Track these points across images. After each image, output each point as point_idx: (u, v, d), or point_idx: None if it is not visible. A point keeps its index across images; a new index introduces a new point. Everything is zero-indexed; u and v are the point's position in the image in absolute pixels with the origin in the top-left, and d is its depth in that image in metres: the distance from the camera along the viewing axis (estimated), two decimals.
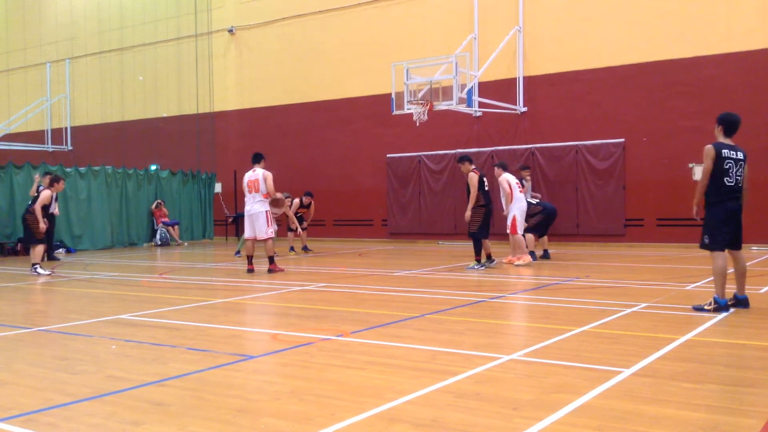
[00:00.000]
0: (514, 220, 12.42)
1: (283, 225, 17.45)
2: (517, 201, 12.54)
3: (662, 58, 16.61)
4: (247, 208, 11.99)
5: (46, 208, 13.01)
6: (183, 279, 11.57)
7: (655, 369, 4.75)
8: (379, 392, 4.29)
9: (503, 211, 12.69)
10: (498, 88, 18.37)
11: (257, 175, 11.90)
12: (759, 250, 14.93)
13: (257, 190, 11.85)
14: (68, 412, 4.02)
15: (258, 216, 11.84)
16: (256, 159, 12.17)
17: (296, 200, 16.68)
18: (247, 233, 12.08)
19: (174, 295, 9.38)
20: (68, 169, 19.03)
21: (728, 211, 7.07)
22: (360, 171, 20.97)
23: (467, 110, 17.56)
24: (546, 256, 13.50)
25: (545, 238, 13.67)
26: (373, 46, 20.49)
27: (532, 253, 12.87)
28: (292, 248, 16.74)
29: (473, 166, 12.18)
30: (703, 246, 7.12)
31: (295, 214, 16.37)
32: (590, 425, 3.60)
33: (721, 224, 7.05)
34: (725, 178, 7.00)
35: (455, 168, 19.37)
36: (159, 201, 21.21)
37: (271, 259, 12.00)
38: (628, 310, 7.20)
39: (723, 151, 6.98)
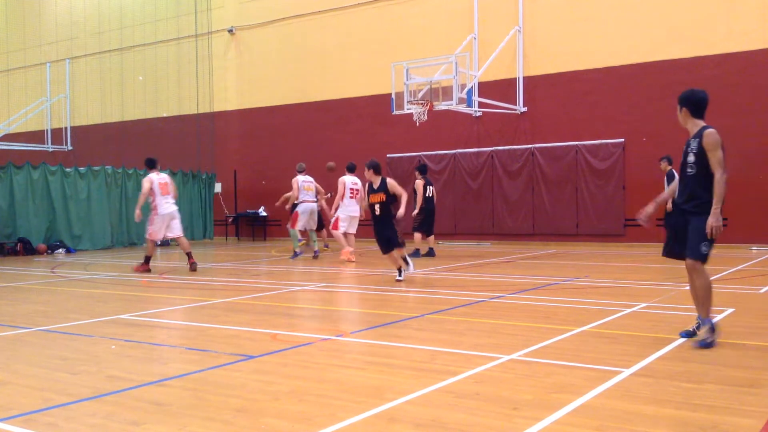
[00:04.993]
0: (337, 219, 14.03)
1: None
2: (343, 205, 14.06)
3: (662, 58, 16.60)
4: (168, 210, 12.47)
5: None
6: (183, 279, 11.57)
7: (655, 369, 4.75)
8: (379, 392, 4.29)
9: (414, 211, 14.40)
10: (498, 88, 18.37)
11: (166, 178, 12.66)
12: (759, 250, 14.94)
13: (168, 192, 12.52)
14: (68, 412, 4.02)
15: (176, 214, 12.63)
16: (155, 164, 12.77)
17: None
18: (163, 234, 12.58)
19: (174, 295, 9.39)
20: (68, 169, 19.03)
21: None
22: (360, 171, 20.94)
23: (467, 110, 17.56)
24: (431, 253, 14.66)
25: (432, 237, 14.86)
26: (373, 46, 20.49)
27: (417, 251, 14.41)
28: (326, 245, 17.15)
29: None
30: (700, 256, 5.42)
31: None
32: (590, 425, 3.60)
33: None
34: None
35: (455, 168, 19.40)
36: None
37: (191, 255, 12.61)
38: (628, 310, 7.20)
39: None
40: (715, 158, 5.38)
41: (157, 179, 12.44)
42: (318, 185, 15.64)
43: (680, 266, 5.97)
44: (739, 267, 11.56)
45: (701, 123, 5.64)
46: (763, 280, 9.80)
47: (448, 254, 15.46)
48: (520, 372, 4.76)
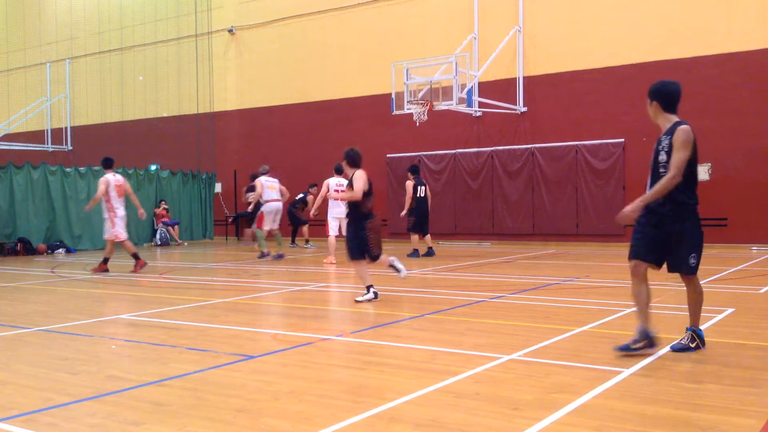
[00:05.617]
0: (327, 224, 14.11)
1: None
2: (333, 207, 13.91)
3: (662, 58, 16.60)
4: (123, 212, 12.37)
5: None
6: (183, 279, 11.57)
7: (655, 369, 4.75)
8: (379, 392, 4.29)
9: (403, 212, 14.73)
10: (498, 88, 18.37)
11: (121, 180, 12.47)
12: (759, 250, 14.93)
13: (122, 195, 12.38)
14: (68, 412, 4.02)
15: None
16: (112, 164, 12.57)
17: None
18: (126, 235, 12.51)
19: (174, 295, 9.38)
20: (68, 169, 19.03)
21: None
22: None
23: (467, 110, 17.57)
24: (430, 253, 14.68)
25: (428, 236, 14.84)
26: (373, 46, 20.49)
27: (415, 251, 14.55)
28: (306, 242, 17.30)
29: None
30: (690, 270, 5.16)
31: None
32: (590, 425, 3.60)
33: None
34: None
35: (455, 168, 19.40)
36: (162, 202, 21.25)
37: (137, 255, 12.60)
38: (628, 310, 7.19)
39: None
40: (677, 157, 4.94)
41: (113, 181, 12.22)
42: (282, 186, 15.50)
43: None
44: (739, 267, 11.55)
45: (674, 118, 5.16)
46: (763, 280, 9.80)
47: (448, 254, 15.46)
48: (520, 372, 4.76)
